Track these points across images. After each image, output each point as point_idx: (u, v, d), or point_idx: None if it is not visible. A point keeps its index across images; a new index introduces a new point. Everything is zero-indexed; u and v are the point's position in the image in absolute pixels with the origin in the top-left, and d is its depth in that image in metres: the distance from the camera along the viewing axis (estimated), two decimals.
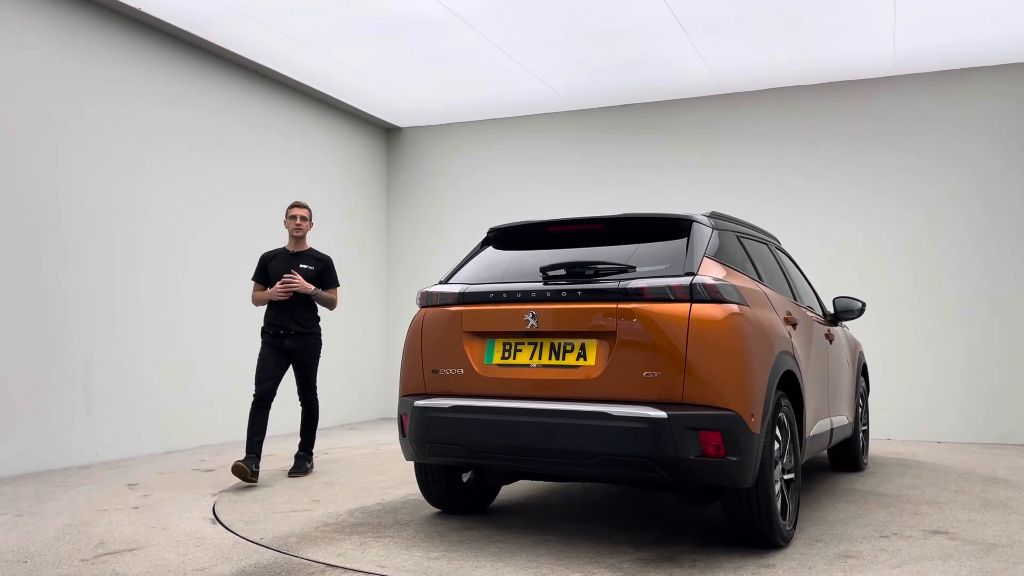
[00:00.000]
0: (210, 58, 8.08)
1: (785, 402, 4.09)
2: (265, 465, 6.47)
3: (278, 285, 5.90)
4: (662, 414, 3.56)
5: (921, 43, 7.91)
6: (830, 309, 6.11)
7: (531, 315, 3.93)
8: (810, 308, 5.77)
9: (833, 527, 4.44)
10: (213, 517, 4.66)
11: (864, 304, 5.96)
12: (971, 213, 8.46)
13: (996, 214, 8.39)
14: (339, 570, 3.62)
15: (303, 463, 6.20)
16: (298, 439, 6.33)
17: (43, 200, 6.44)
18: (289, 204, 6.35)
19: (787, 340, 4.20)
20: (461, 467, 4.58)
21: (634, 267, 3.93)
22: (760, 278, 4.51)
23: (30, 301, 6.31)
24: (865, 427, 6.73)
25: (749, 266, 4.47)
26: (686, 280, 3.75)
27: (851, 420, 6.03)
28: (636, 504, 5.04)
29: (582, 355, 3.85)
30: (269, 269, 6.13)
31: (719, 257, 4.09)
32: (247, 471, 5.57)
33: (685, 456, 3.56)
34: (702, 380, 3.62)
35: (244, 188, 8.30)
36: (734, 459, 3.59)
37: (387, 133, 10.87)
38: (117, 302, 7.01)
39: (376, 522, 4.56)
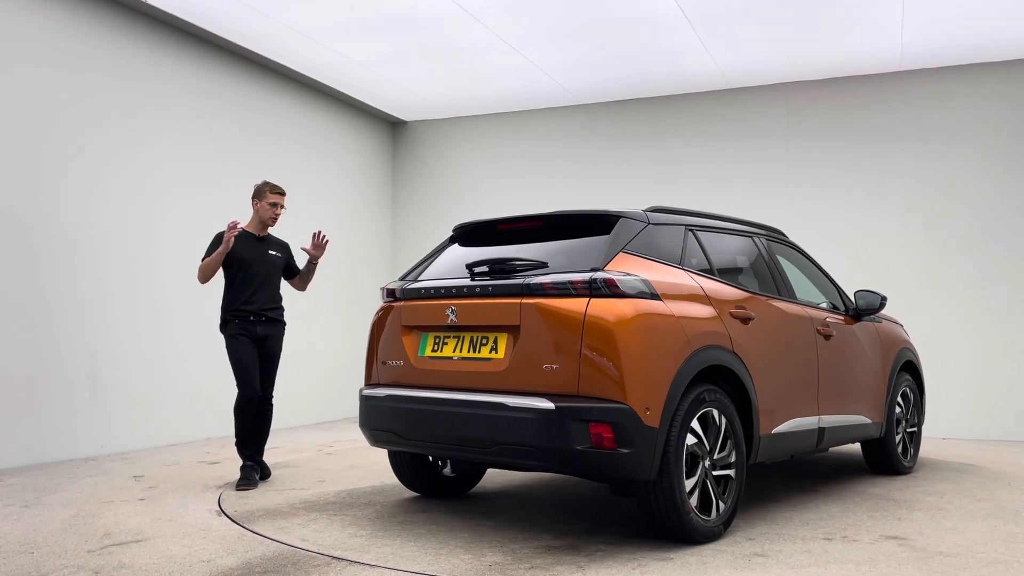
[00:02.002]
0: (215, 51, 8.08)
1: (715, 396, 4.03)
2: (284, 457, 6.86)
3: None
4: (550, 405, 3.67)
5: (929, 38, 7.71)
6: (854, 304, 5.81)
7: (451, 310, 4.14)
8: (830, 305, 5.57)
9: (787, 527, 4.30)
10: (219, 509, 4.74)
11: (884, 298, 5.65)
12: (979, 208, 8.35)
13: (1004, 209, 8.26)
14: (286, 547, 3.99)
15: (251, 473, 5.50)
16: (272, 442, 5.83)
17: (50, 195, 6.49)
18: (269, 187, 5.77)
19: (720, 334, 4.13)
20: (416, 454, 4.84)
21: (546, 263, 4.04)
22: (712, 272, 4.45)
23: (36, 293, 6.33)
24: (912, 428, 6.31)
25: (698, 260, 4.42)
26: (587, 275, 3.82)
27: (876, 420, 5.70)
28: (614, 498, 5.09)
29: (494, 348, 4.01)
30: (234, 252, 5.58)
31: (645, 252, 4.10)
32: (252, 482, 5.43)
33: (573, 446, 3.64)
34: (596, 373, 3.69)
35: (249, 181, 7.79)
36: (626, 451, 3.63)
37: (392, 127, 10.94)
38: (123, 294, 7.04)
39: (348, 502, 4.92)
